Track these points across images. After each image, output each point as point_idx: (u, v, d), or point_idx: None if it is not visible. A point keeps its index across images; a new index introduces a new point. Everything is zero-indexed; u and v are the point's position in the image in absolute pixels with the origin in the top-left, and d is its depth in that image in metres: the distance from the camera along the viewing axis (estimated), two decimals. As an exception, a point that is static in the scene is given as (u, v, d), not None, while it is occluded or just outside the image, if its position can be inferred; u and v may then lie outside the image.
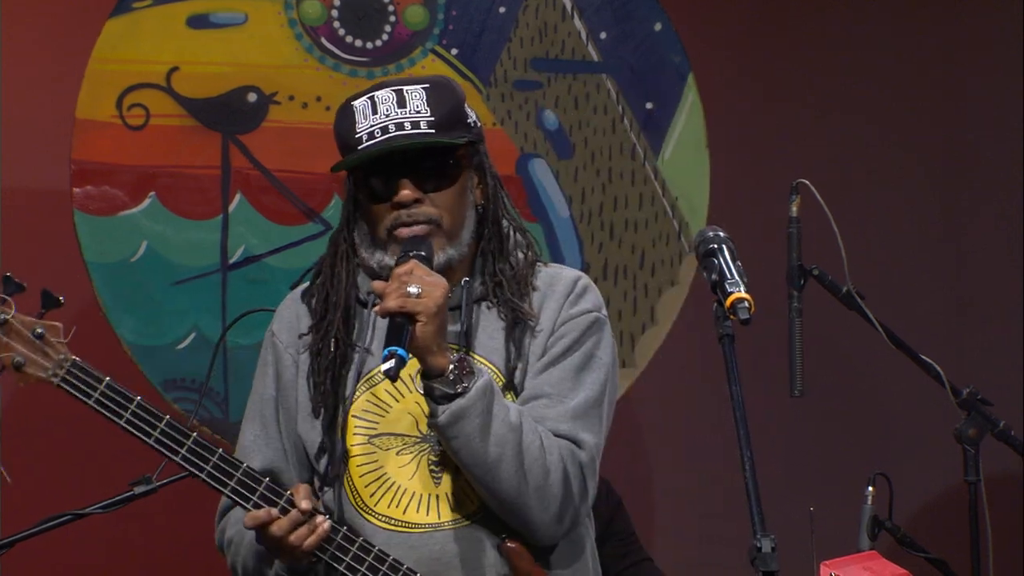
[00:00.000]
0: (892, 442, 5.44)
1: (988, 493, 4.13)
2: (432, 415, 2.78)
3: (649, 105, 5.18)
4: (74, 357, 2.87)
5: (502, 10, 5.06)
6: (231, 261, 4.83)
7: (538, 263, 3.00)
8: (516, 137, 5.05)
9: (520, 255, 2.98)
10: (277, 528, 2.82)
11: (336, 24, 4.93)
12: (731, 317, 2.61)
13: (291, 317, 3.05)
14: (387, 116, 2.90)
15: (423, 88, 2.91)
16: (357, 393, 2.92)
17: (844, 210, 4.22)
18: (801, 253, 4.22)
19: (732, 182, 5.22)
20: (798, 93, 5.43)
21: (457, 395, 2.76)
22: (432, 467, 2.88)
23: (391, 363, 2.70)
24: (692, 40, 5.19)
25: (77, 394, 2.87)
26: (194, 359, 4.71)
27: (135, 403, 2.86)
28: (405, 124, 2.89)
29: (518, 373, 2.90)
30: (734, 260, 2.69)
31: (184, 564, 4.80)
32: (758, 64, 5.40)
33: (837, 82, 5.47)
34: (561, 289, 2.95)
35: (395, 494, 2.89)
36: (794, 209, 4.23)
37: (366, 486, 2.90)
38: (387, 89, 2.92)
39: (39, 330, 2.85)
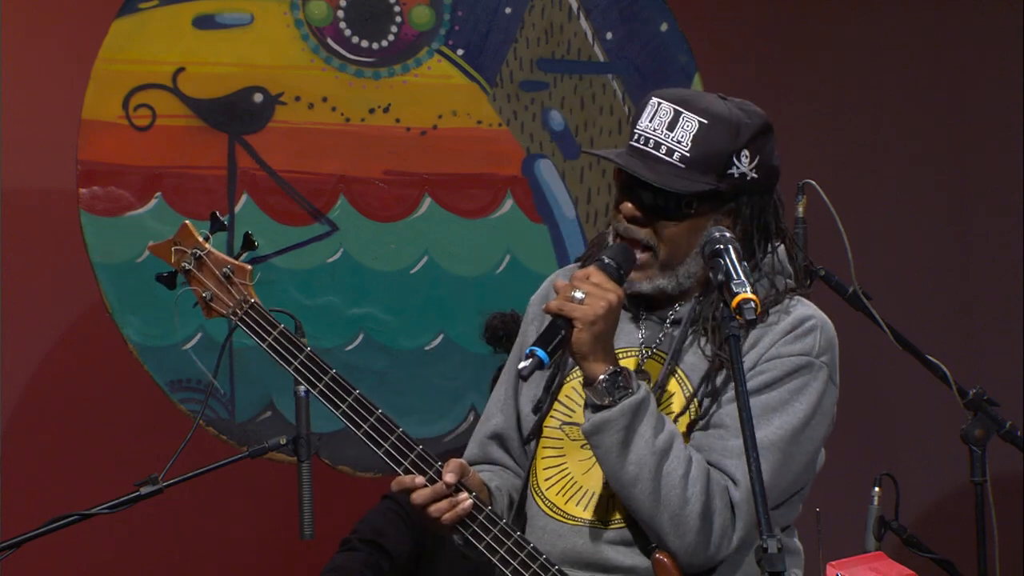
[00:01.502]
0: (898, 443, 5.44)
1: (994, 494, 4.13)
2: (585, 421, 2.79)
3: (655, 105, 5.17)
4: (254, 299, 2.96)
5: (508, 10, 5.06)
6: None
7: (784, 298, 2.91)
8: (522, 138, 5.05)
9: (768, 286, 2.90)
10: (419, 496, 2.83)
11: (342, 24, 4.93)
12: (737, 317, 2.61)
13: (547, 289, 3.04)
14: (655, 131, 2.86)
15: (699, 121, 2.85)
16: (570, 376, 2.93)
17: (850, 211, 4.22)
18: (807, 254, 4.21)
19: (738, 182, 5.21)
20: (804, 94, 5.43)
21: (603, 407, 2.75)
22: None
23: (528, 362, 2.70)
24: (698, 40, 5.19)
25: (252, 335, 2.96)
26: (200, 360, 4.71)
27: (304, 353, 2.92)
28: (662, 147, 2.85)
29: (695, 401, 2.85)
30: (740, 260, 2.69)
31: (189, 564, 4.81)
32: (764, 65, 5.40)
33: (843, 83, 5.47)
34: (784, 326, 2.88)
35: (566, 484, 2.89)
36: (800, 209, 4.23)
37: (545, 468, 2.92)
38: (673, 104, 2.87)
39: (226, 270, 2.97)
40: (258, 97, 4.86)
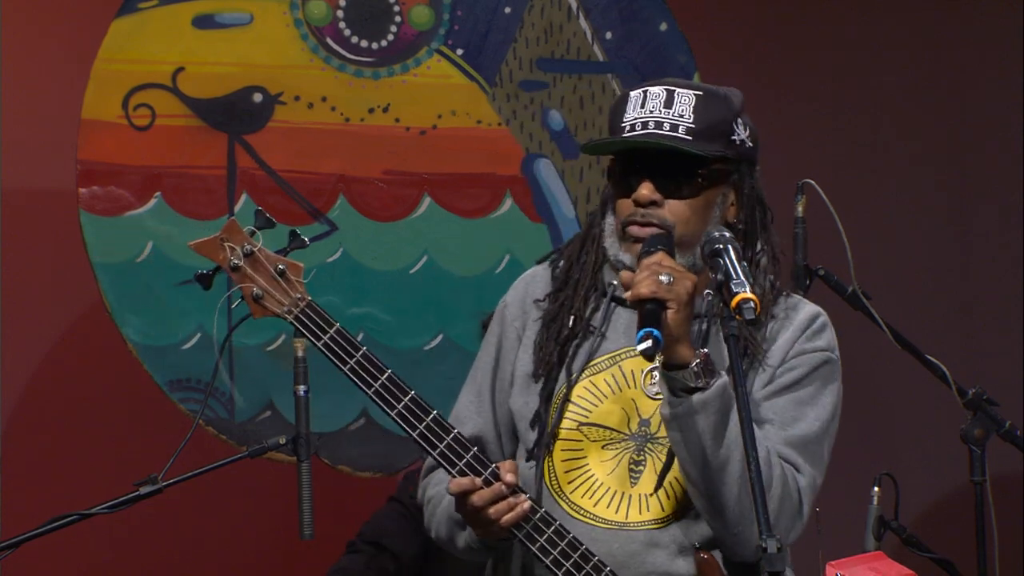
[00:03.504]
0: (898, 442, 5.44)
1: (994, 493, 4.13)
2: (670, 406, 2.76)
3: (655, 105, 5.17)
4: (309, 298, 2.89)
5: (507, 10, 5.06)
6: (236, 261, 4.83)
7: (784, 294, 2.98)
8: (521, 137, 5.05)
9: (767, 283, 2.95)
10: (478, 498, 2.81)
11: (342, 24, 4.93)
12: (737, 317, 2.61)
13: (523, 291, 3.05)
14: (651, 113, 2.89)
15: (695, 94, 2.90)
16: (581, 376, 2.92)
17: (850, 210, 4.22)
18: (807, 253, 4.22)
19: (738, 182, 5.21)
20: (803, 93, 5.43)
21: (698, 389, 2.74)
22: (632, 466, 2.88)
23: (648, 343, 2.66)
24: (698, 40, 5.19)
25: (307, 334, 2.89)
26: (200, 359, 4.71)
27: (360, 353, 2.87)
28: (665, 124, 2.87)
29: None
30: (740, 260, 2.69)
31: (189, 564, 4.81)
32: (763, 64, 5.40)
33: (842, 82, 5.47)
34: (799, 322, 2.94)
35: (591, 485, 2.89)
36: (800, 209, 4.23)
37: (566, 471, 2.91)
38: (662, 87, 2.91)
39: (281, 267, 2.89)
40: (257, 97, 4.86)
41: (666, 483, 2.86)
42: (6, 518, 4.51)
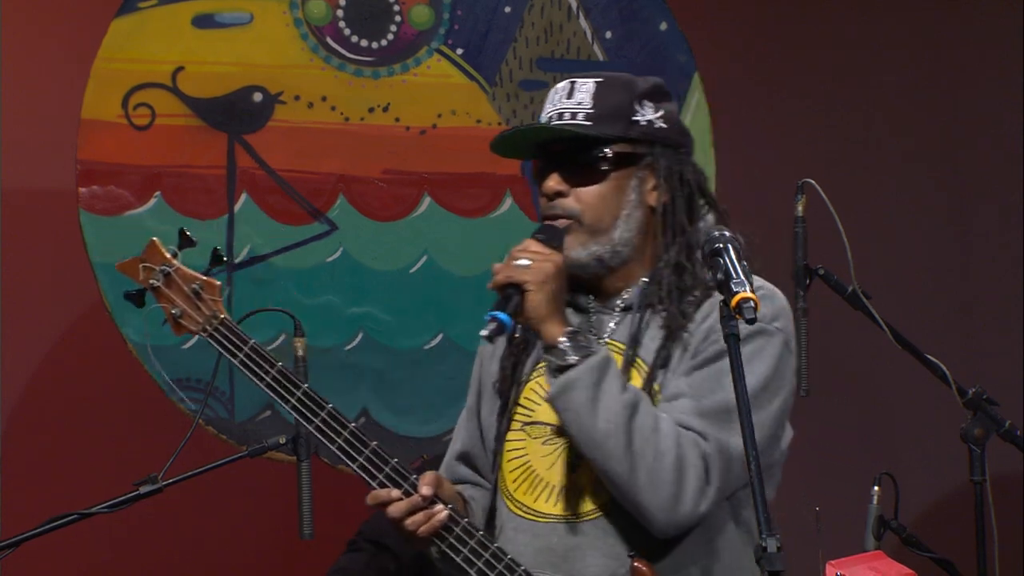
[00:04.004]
0: (898, 442, 5.44)
1: (994, 493, 4.12)
2: (549, 388, 2.78)
3: (655, 105, 5.17)
4: (224, 316, 2.94)
5: (508, 10, 5.06)
6: (236, 261, 4.83)
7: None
8: (521, 137, 5.04)
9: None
10: (395, 510, 2.84)
11: (341, 24, 4.93)
12: (737, 316, 2.61)
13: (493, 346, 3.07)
14: (555, 106, 2.92)
15: (595, 82, 2.91)
16: (529, 380, 2.94)
17: (850, 210, 4.22)
18: (807, 253, 4.22)
19: (737, 181, 5.21)
20: (803, 92, 5.43)
21: (569, 367, 2.75)
22: (571, 460, 2.87)
23: (491, 327, 2.71)
24: (697, 40, 5.19)
25: (222, 351, 2.93)
26: (199, 359, 4.70)
27: (276, 368, 2.90)
28: (565, 114, 2.90)
29: (656, 384, 2.85)
30: (740, 259, 2.68)
31: (189, 564, 4.81)
32: (763, 63, 5.40)
33: (842, 81, 5.47)
34: None
35: (533, 482, 2.89)
36: (800, 208, 4.23)
37: (511, 471, 2.92)
38: (568, 80, 2.94)
39: (195, 286, 2.95)
40: (257, 96, 4.86)
41: None
42: (6, 518, 4.51)
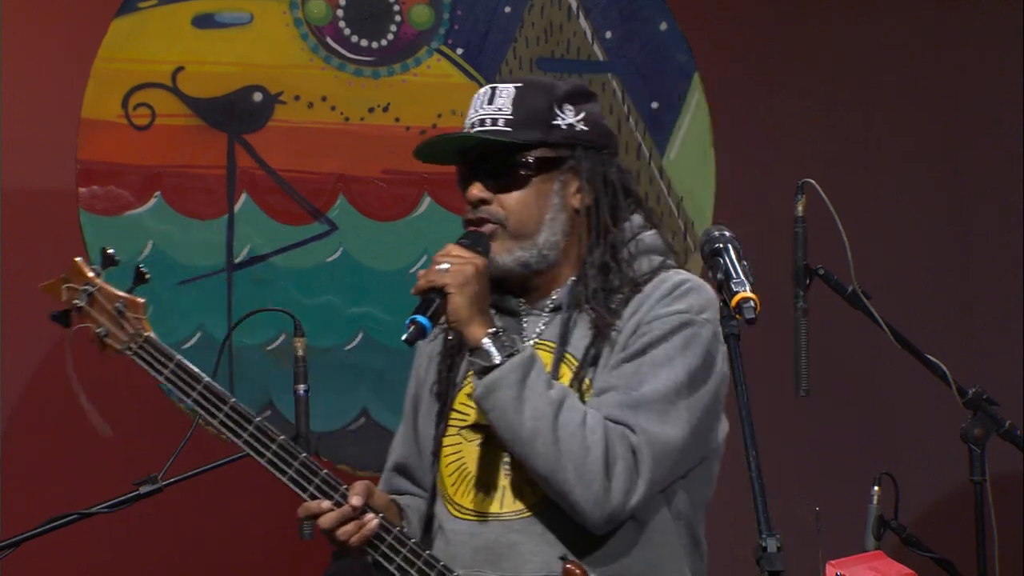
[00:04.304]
0: (898, 442, 5.44)
1: (994, 493, 4.12)
2: (475, 390, 2.80)
3: (654, 104, 5.18)
4: (148, 333, 2.94)
5: (508, 10, 5.06)
6: (237, 261, 4.83)
7: (663, 269, 2.95)
8: (521, 137, 5.04)
9: (646, 261, 2.94)
10: (326, 521, 2.85)
11: (341, 24, 4.93)
12: (737, 316, 2.61)
13: (432, 347, 3.09)
14: (476, 112, 2.95)
15: (515, 87, 2.94)
16: (463, 385, 2.95)
17: (850, 210, 4.22)
18: (807, 253, 4.21)
19: (738, 181, 5.22)
20: (803, 92, 5.43)
21: (493, 367, 2.77)
22: (507, 458, 2.88)
23: (410, 330, 2.74)
24: (697, 40, 5.19)
25: (149, 369, 2.94)
26: (199, 359, 4.66)
27: (203, 383, 2.91)
28: (486, 120, 2.93)
29: (587, 380, 2.87)
30: (740, 259, 2.68)
31: (189, 564, 4.81)
32: (763, 63, 5.40)
33: (842, 81, 5.47)
34: (662, 290, 2.90)
35: (469, 484, 2.90)
36: (800, 208, 4.22)
37: (449, 475, 2.93)
38: (490, 86, 2.97)
39: (118, 305, 2.94)
40: (257, 96, 4.86)
41: None
42: (6, 518, 4.51)
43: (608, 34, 5.14)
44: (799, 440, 5.25)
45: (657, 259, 2.96)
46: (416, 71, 4.97)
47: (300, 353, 3.65)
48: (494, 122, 2.92)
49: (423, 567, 2.85)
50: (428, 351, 3.06)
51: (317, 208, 4.90)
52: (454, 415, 2.95)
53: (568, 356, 2.88)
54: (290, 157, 4.88)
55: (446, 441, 2.95)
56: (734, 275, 2.65)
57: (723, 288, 2.65)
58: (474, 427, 2.92)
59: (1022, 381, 5.33)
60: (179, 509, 4.48)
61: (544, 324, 2.93)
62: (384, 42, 4.97)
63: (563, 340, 2.88)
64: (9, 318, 4.68)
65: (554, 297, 2.94)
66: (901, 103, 5.52)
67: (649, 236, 2.98)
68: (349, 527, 2.84)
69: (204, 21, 4.83)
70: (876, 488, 4.08)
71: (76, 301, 2.95)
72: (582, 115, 2.95)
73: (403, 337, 2.74)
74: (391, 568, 2.86)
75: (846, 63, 5.47)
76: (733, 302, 2.61)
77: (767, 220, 4.72)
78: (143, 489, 3.19)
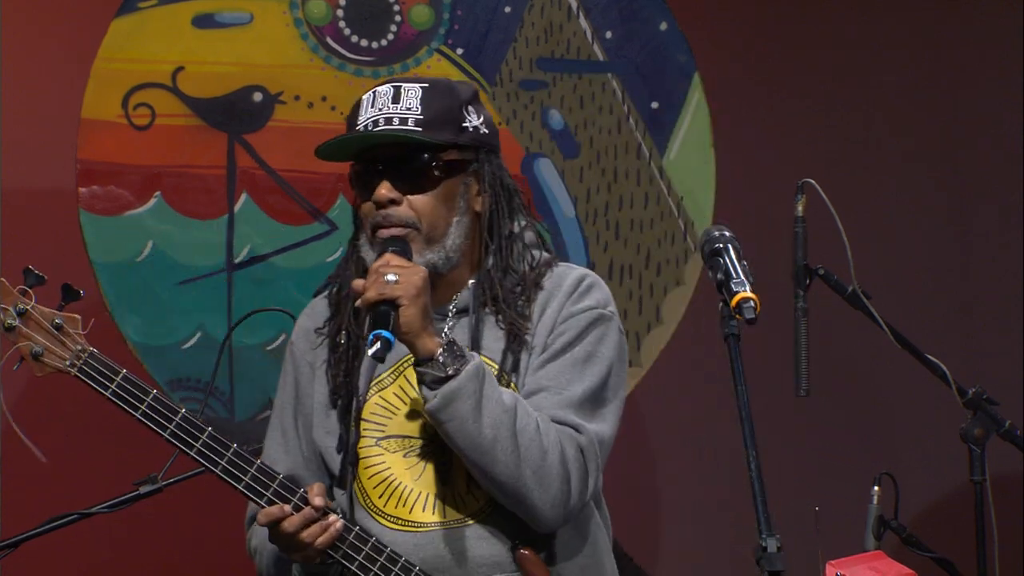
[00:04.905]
0: (898, 442, 5.44)
1: (994, 493, 4.12)
2: (425, 401, 2.78)
3: (655, 104, 5.18)
4: (91, 348, 2.92)
5: (508, 10, 5.06)
6: (237, 261, 4.83)
7: (552, 265, 2.98)
8: (521, 137, 5.05)
9: (530, 258, 2.97)
10: (289, 524, 2.83)
11: (341, 24, 4.93)
12: (737, 316, 2.61)
13: (307, 324, 3.06)
14: (380, 110, 2.90)
15: (421, 87, 2.92)
16: (368, 396, 2.93)
17: (850, 210, 4.22)
18: (807, 252, 4.22)
19: (737, 181, 5.22)
20: (803, 92, 5.43)
21: (449, 377, 2.76)
22: (439, 467, 2.88)
23: (377, 345, 2.71)
24: (698, 40, 5.19)
25: (94, 385, 2.91)
26: (199, 359, 4.71)
27: (151, 396, 2.89)
28: (394, 119, 2.89)
29: (512, 385, 2.89)
30: (740, 259, 2.68)
31: (189, 564, 4.81)
32: (763, 64, 5.40)
33: (842, 82, 5.47)
34: (566, 288, 2.94)
35: (402, 494, 2.89)
36: (800, 208, 4.23)
37: (374, 487, 2.91)
38: (389, 84, 2.94)
39: (57, 321, 2.91)
40: (257, 96, 4.86)
41: None
42: (6, 518, 4.51)
43: (608, 34, 5.14)
44: (799, 440, 5.25)
45: (544, 255, 3.00)
46: (416, 71, 4.97)
47: (300, 353, 3.64)
48: (403, 121, 2.88)
49: (385, 563, 2.84)
50: (308, 359, 3.02)
51: (317, 208, 4.90)
52: (365, 426, 2.92)
53: (483, 358, 2.87)
54: (290, 157, 4.88)
55: (363, 452, 2.92)
56: (734, 275, 2.65)
57: (723, 288, 2.65)
58: (394, 438, 2.90)
59: (1022, 381, 5.33)
60: (179, 509, 4.48)
61: (448, 328, 2.92)
62: (384, 42, 4.97)
63: (475, 344, 2.89)
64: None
65: (456, 300, 2.94)
66: (901, 103, 5.51)
67: (529, 233, 3.01)
68: (314, 529, 2.83)
69: (204, 21, 4.83)
70: (876, 488, 4.09)
71: (9, 321, 2.89)
72: (483, 118, 2.97)
73: (371, 352, 2.70)
74: (352, 567, 2.85)
75: (846, 63, 5.47)
76: (733, 302, 2.61)
77: (767, 220, 4.72)
78: (143, 489, 3.19)
